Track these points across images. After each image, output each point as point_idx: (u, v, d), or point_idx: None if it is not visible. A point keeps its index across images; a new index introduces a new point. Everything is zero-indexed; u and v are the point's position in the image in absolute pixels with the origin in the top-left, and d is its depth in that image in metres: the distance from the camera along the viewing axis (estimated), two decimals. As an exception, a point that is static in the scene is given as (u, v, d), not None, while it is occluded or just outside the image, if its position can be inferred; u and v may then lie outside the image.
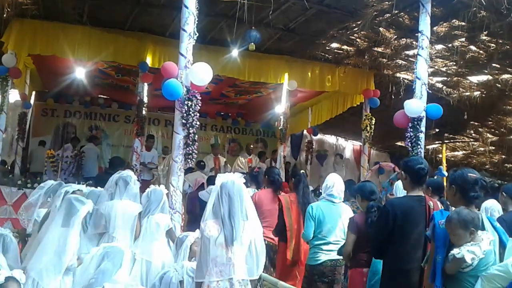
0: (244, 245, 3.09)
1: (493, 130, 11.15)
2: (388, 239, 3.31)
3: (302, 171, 5.41)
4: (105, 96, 12.74)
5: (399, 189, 5.19)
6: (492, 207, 4.64)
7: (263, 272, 4.41)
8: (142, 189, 4.61)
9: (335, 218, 4.52)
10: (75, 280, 3.28)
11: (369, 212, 3.95)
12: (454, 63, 8.28)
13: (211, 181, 7.84)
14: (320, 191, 5.78)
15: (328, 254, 4.44)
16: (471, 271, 2.66)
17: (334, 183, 4.63)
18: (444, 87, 9.36)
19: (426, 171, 3.39)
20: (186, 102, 5.30)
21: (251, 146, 11.86)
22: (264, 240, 5.43)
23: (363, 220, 4.00)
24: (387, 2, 6.67)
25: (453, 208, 2.94)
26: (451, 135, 12.07)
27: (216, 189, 3.17)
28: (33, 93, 11.48)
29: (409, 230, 3.27)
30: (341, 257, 4.35)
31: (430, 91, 6.70)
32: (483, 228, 2.76)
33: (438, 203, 3.58)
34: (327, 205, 4.57)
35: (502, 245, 2.78)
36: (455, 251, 2.67)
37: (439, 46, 7.87)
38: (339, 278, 4.50)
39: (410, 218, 3.28)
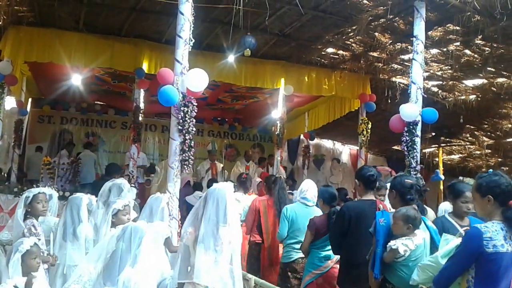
0: (223, 252, 3.02)
1: (489, 133, 11.19)
2: (344, 236, 3.81)
3: (279, 175, 5.96)
4: (101, 103, 12.74)
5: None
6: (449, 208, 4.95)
7: (255, 275, 4.49)
8: (139, 192, 4.62)
9: (307, 219, 4.82)
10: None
11: (330, 217, 4.38)
12: (449, 67, 8.31)
13: (198, 186, 7.89)
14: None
15: (300, 252, 4.82)
16: (403, 261, 3.14)
17: (309, 188, 5.04)
18: (440, 91, 9.38)
19: (375, 177, 3.93)
20: (182, 108, 5.30)
21: (250, 152, 11.85)
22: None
23: (322, 222, 4.44)
24: (382, 7, 6.70)
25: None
26: (447, 139, 12.10)
27: (202, 197, 3.19)
28: (30, 100, 11.47)
29: (361, 229, 3.69)
30: None
31: (425, 95, 6.72)
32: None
33: (387, 205, 4.10)
34: (300, 207, 4.99)
35: (433, 242, 3.24)
36: (391, 243, 3.15)
37: (434, 51, 7.90)
38: None
39: (362, 219, 3.74)
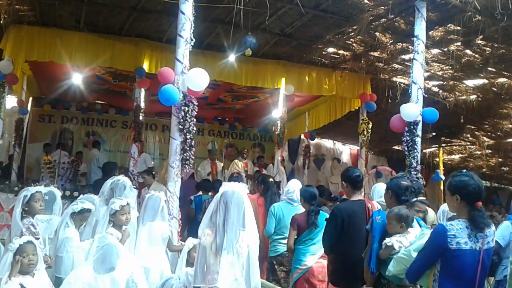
0: (241, 255, 3.07)
1: (489, 133, 11.18)
2: (338, 237, 3.91)
3: (270, 179, 6.14)
4: (102, 102, 12.74)
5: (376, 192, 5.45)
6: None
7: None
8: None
9: None
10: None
11: (309, 215, 4.69)
12: (450, 67, 8.30)
13: (203, 185, 7.89)
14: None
15: (285, 246, 5.03)
16: None
17: (295, 189, 5.32)
18: (440, 91, 9.38)
19: (361, 177, 4.09)
20: (182, 108, 5.31)
21: (245, 150, 11.87)
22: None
23: (302, 218, 4.73)
24: (383, 7, 6.70)
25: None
26: (448, 139, 12.10)
27: (216, 197, 3.19)
28: (30, 99, 11.45)
29: (353, 229, 3.86)
30: None
31: (426, 95, 6.73)
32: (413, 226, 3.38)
33: (375, 203, 4.24)
34: (287, 206, 5.30)
35: None
36: (387, 240, 3.27)
37: (435, 51, 7.89)
38: None
39: (354, 219, 3.90)
